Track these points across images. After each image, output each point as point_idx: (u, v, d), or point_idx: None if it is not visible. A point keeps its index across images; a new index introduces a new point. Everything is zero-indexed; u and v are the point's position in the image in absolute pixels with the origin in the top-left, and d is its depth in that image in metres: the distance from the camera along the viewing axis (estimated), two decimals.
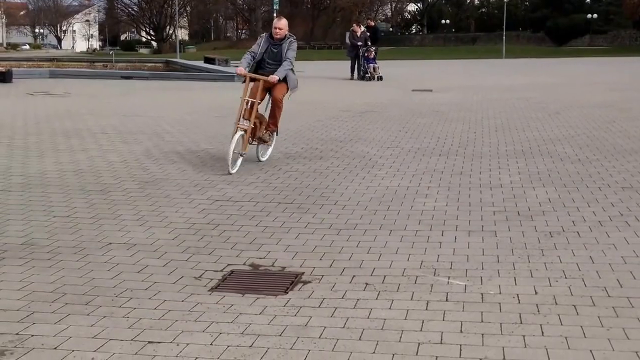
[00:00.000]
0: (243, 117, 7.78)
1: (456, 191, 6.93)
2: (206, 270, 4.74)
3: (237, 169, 7.69)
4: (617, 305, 3.98)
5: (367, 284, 4.45)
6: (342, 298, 4.22)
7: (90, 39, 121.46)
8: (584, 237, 5.28)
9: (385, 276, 4.58)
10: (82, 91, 19.08)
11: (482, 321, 3.83)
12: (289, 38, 7.97)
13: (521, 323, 3.78)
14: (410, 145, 9.71)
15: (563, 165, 8.00)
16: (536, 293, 4.20)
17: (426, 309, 4.02)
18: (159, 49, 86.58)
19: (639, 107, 13.29)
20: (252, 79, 7.94)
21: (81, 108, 14.61)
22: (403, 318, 3.90)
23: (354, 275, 4.60)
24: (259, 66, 8.00)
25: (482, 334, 3.65)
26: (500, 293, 4.23)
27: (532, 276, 4.51)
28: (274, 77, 7.78)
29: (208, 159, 8.78)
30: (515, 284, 4.37)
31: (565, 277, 4.46)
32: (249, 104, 7.76)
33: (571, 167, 7.92)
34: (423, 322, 3.84)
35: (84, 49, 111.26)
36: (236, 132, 7.69)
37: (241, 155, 7.80)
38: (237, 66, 7.79)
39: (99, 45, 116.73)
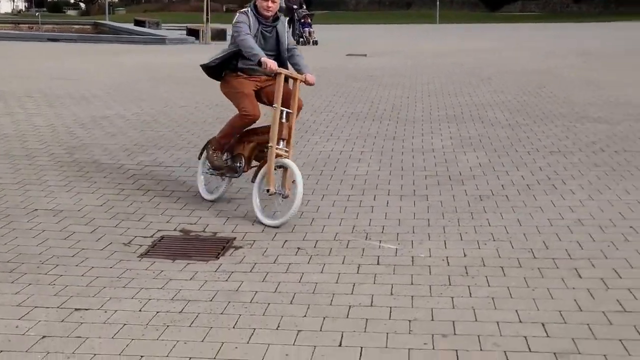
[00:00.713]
0: (280, 138, 4.96)
1: (389, 156, 6.96)
2: (135, 237, 4.64)
3: (284, 219, 4.82)
4: (542, 266, 4.08)
5: (299, 248, 4.44)
6: (274, 263, 4.20)
7: (15, 0, 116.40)
8: (513, 201, 5.39)
9: (317, 241, 4.57)
10: (6, 53, 18.31)
11: (412, 284, 3.87)
12: (279, 16, 5.29)
13: (450, 285, 3.84)
14: (344, 110, 9.70)
15: (494, 130, 8.14)
16: (465, 255, 4.27)
17: (357, 273, 4.03)
18: (87, 11, 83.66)
19: (568, 73, 13.60)
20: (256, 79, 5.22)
21: (5, 70, 14.01)
22: (334, 282, 3.90)
23: (285, 240, 4.58)
24: (242, 57, 5.11)
25: (412, 296, 3.69)
26: (430, 256, 4.29)
27: (461, 239, 4.58)
28: (312, 78, 5.16)
29: (138, 123, 8.56)
30: (445, 247, 4.43)
31: (494, 240, 4.54)
32: (285, 115, 5.01)
33: (501, 131, 8.05)
34: (354, 285, 3.85)
35: (9, 10, 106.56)
36: (270, 162, 4.90)
37: (284, 197, 4.92)
38: (253, 53, 4.90)
39: (25, 7, 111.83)
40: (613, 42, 22.27)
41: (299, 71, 5.21)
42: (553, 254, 4.27)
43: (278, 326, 3.37)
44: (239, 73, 5.19)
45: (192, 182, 5.90)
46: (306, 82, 5.13)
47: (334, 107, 10.03)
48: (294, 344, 3.19)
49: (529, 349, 3.11)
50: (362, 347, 3.14)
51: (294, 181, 4.85)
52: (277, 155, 4.92)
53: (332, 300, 3.65)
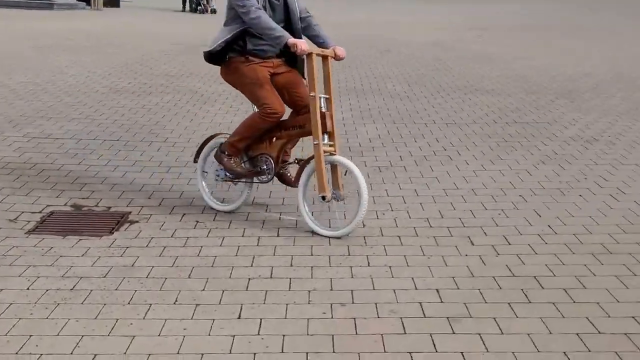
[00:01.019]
0: (324, 132, 4.14)
1: None
2: (23, 212, 4.41)
3: (349, 227, 4.10)
4: (437, 234, 4.19)
5: (197, 222, 4.35)
6: (172, 237, 4.10)
7: None
8: (410, 171, 5.49)
9: (216, 213, 4.49)
10: None
11: (311, 255, 3.88)
12: None
13: (349, 255, 3.87)
14: None
15: (393, 102, 8.25)
16: (364, 226, 4.31)
17: (257, 245, 4.00)
18: None
19: (465, 46, 13.95)
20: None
21: None
22: (234, 254, 3.86)
23: (184, 214, 4.48)
24: (250, 35, 4.21)
25: (312, 267, 3.70)
26: (330, 227, 4.30)
27: None
28: (342, 50, 4.34)
29: (24, 93, 8.12)
30: (345, 218, 4.46)
31: (392, 210, 4.61)
32: (324, 103, 4.16)
33: (400, 103, 8.18)
34: (254, 257, 3.82)
35: None
36: (320, 163, 4.10)
37: (337, 200, 4.23)
38: (275, 35, 4.04)
39: None
40: (508, 16, 23.01)
41: (322, 45, 4.36)
42: (448, 223, 4.38)
43: (176, 301, 3.30)
44: (248, 57, 4.22)
45: (83, 154, 5.66)
46: (336, 57, 4.28)
47: None
48: (192, 318, 3.13)
49: (424, 314, 3.19)
50: (261, 319, 3.13)
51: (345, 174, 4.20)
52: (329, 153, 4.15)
53: (231, 273, 3.61)
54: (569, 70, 10.77)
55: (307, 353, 2.86)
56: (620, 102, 8.29)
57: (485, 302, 3.30)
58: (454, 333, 3.02)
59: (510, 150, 6.12)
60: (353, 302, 3.31)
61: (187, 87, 8.89)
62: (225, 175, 4.47)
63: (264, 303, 3.29)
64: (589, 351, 2.86)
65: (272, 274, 3.62)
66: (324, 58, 4.22)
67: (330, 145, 4.17)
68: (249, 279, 3.55)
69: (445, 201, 4.79)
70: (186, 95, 8.34)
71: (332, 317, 3.16)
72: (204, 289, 3.42)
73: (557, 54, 13.06)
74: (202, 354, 2.84)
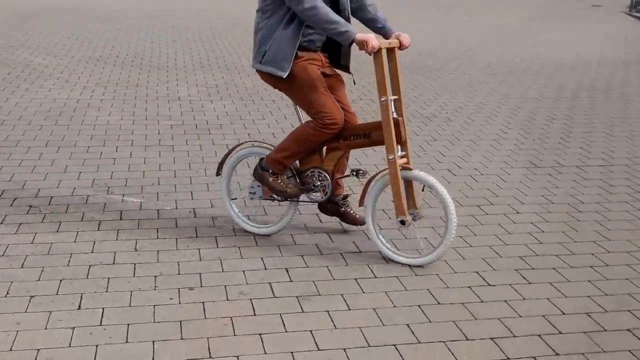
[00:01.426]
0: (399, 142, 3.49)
1: (132, 104, 6.66)
2: None
3: (436, 253, 3.49)
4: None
5: (30, 206, 4.07)
6: (2, 224, 3.80)
7: None
8: None
9: (52, 197, 4.22)
10: None
11: (157, 238, 3.75)
12: None
13: (197, 237, 3.78)
14: (82, 54, 9.07)
15: (240, 78, 8.16)
16: (212, 206, 4.23)
17: (98, 230, 3.81)
18: None
19: None
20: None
21: None
22: (72, 241, 3.64)
23: (15, 198, 4.17)
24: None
25: (158, 251, 3.58)
26: (176, 208, 4.18)
27: (208, 189, 4.53)
28: (407, 38, 3.49)
29: None
30: (192, 199, 4.35)
31: (240, 189, 4.56)
32: (394, 106, 3.48)
33: (247, 80, 8.10)
34: (94, 243, 3.63)
35: None
36: (396, 180, 3.45)
37: (415, 221, 3.58)
38: (339, 30, 3.29)
39: None
40: None
41: (380, 31, 3.60)
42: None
43: (7, 293, 3.06)
44: (297, 53, 3.48)
45: None
46: (401, 47, 3.48)
47: (70, 50, 9.33)
48: (25, 311, 2.92)
49: (274, 294, 3.18)
50: (103, 308, 2.98)
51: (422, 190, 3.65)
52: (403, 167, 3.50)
53: (69, 261, 3.41)
54: (426, 47, 11.08)
55: (153, 341, 2.76)
56: (457, 78, 8.71)
57: (334, 279, 3.35)
58: (303, 312, 3.04)
59: None
60: (201, 286, 3.23)
61: (17, 60, 8.30)
62: (264, 194, 3.78)
63: (107, 291, 3.13)
64: (430, 322, 2.99)
65: (114, 260, 3.46)
66: (390, 50, 3.45)
67: (403, 156, 3.49)
68: (90, 266, 3.37)
69: None
70: (16, 69, 7.78)
71: (179, 303, 3.07)
72: (39, 279, 3.21)
73: (424, 29, 13.48)
74: (38, 350, 2.66)
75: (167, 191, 4.45)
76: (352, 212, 3.88)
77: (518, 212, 4.30)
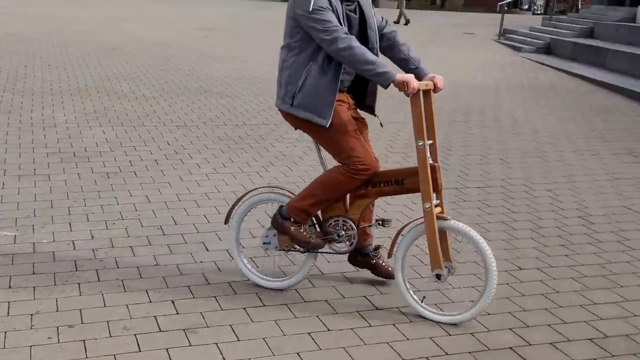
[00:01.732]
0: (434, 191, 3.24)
1: (4, 132, 6.32)
2: None
3: (474, 310, 3.25)
4: (171, 242, 4.08)
5: None
6: None
7: None
8: (141, 177, 5.31)
9: None
10: None
11: (34, 273, 3.55)
12: None
13: (77, 271, 3.61)
14: None
15: (120, 104, 7.94)
16: (93, 237, 4.06)
17: None
18: None
19: (193, 46, 13.93)
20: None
21: None
22: None
23: None
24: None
25: (34, 287, 3.39)
26: (54, 241, 3.99)
27: (88, 220, 4.35)
28: (442, 80, 3.28)
29: None
30: (71, 230, 4.17)
31: (122, 219, 4.41)
32: (430, 151, 3.21)
33: (128, 105, 7.90)
34: None
35: None
36: (433, 232, 3.21)
37: (449, 272, 3.32)
38: (377, 71, 3.06)
39: None
40: (237, 18, 23.48)
41: (414, 71, 3.35)
42: (182, 230, 4.30)
43: None
44: None
45: None
46: (436, 89, 3.24)
47: None
48: None
49: (159, 328, 3.08)
50: None
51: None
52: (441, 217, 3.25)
53: None
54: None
55: None
56: None
57: (222, 310, 3.29)
58: (190, 345, 2.96)
59: (240, 152, 6.22)
60: (82, 322, 3.08)
61: None
62: (280, 244, 3.49)
63: None
64: (320, 349, 2.99)
65: None
66: (426, 92, 3.21)
67: (437, 205, 3.24)
68: None
69: (178, 207, 4.71)
70: None
71: (58, 342, 2.91)
72: None
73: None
74: None
75: (43, 223, 4.23)
76: (384, 264, 3.64)
77: (402, 235, 4.39)
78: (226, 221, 3.60)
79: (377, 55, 3.29)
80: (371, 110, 3.48)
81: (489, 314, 3.38)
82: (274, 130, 7.12)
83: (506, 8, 20.48)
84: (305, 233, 3.37)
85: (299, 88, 3.21)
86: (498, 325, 3.29)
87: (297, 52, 3.22)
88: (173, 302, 3.34)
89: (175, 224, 4.38)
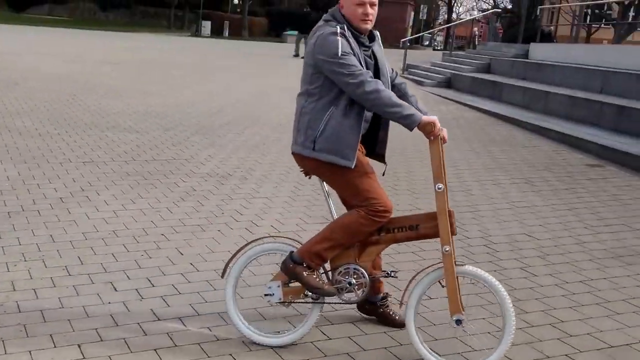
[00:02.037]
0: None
1: None
2: None
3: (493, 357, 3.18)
4: (78, 283, 3.95)
5: None
6: None
7: None
8: (45, 215, 5.13)
9: None
10: None
11: None
12: (375, 32, 3.43)
13: None
14: None
15: (23, 141, 7.67)
16: None
17: None
18: None
19: (99, 81, 13.66)
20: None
21: None
22: None
23: None
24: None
25: None
26: None
27: None
28: (445, 131, 3.23)
29: None
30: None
31: (25, 260, 4.24)
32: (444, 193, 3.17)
33: (31, 142, 7.64)
34: None
35: None
36: (451, 276, 3.17)
37: (459, 323, 3.19)
38: (404, 113, 3.04)
39: None
40: (140, 52, 23.19)
41: None
42: (89, 269, 4.17)
43: None
44: None
45: None
46: (444, 140, 3.16)
47: None
48: None
49: None
50: None
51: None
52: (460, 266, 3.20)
53: None
54: (202, 107, 11.23)
55: None
56: (249, 138, 8.88)
57: (131, 352, 3.20)
58: None
59: (150, 188, 6.12)
60: None
61: None
62: (283, 296, 3.32)
63: None
64: None
65: None
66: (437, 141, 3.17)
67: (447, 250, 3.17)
68: None
69: (85, 246, 4.57)
70: None
71: None
72: None
73: (189, 90, 13.54)
74: None
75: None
76: (392, 313, 3.61)
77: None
78: (223, 274, 3.41)
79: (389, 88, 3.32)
80: (382, 158, 3.48)
81: (401, 345, 3.43)
82: (184, 165, 7.05)
83: (408, 44, 21.20)
84: (318, 279, 3.26)
85: (320, 132, 3.18)
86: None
87: (317, 98, 3.21)
88: (79, 346, 3.22)
89: (82, 264, 4.25)
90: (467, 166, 7.83)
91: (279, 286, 3.32)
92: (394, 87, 3.41)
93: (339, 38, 3.09)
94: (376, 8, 3.23)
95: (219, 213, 5.53)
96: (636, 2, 34.36)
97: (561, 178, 7.42)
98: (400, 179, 7.03)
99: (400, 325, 3.57)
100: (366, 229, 3.19)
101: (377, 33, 3.36)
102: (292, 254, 3.30)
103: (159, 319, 3.56)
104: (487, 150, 8.86)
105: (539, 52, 16.42)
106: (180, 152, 7.68)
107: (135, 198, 5.77)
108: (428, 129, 3.04)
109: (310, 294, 3.29)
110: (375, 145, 3.43)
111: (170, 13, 60.73)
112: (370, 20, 3.21)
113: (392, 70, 3.46)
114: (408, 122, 3.05)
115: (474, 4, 77.20)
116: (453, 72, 16.89)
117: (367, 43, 3.26)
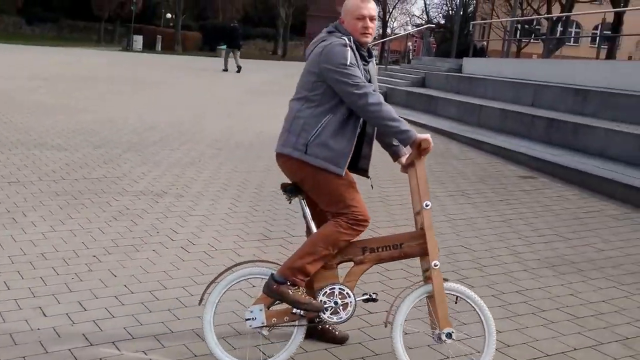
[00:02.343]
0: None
1: None
2: None
3: None
4: (3, 309, 3.76)
5: None
6: None
7: None
8: None
9: None
10: None
11: None
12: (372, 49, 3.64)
13: None
14: None
15: None
16: None
17: None
18: None
19: (26, 97, 13.22)
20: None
21: None
22: None
23: None
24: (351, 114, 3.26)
25: None
26: None
27: None
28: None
29: None
30: None
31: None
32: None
33: None
34: None
35: None
36: (440, 291, 3.20)
37: (449, 337, 3.21)
38: (401, 129, 3.13)
39: None
40: (70, 67, 22.64)
41: (394, 148, 3.61)
42: (15, 295, 3.98)
43: None
44: None
45: None
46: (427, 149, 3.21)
47: None
48: None
49: None
50: None
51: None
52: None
53: None
54: (135, 123, 11.00)
55: None
56: (184, 154, 8.73)
57: None
58: None
59: (80, 208, 5.91)
60: None
61: None
62: (267, 319, 3.21)
63: None
64: None
65: None
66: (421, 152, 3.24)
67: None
68: None
69: (11, 270, 4.36)
70: None
71: None
72: None
73: (120, 106, 13.25)
74: None
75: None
76: (332, 329, 3.57)
77: (254, 286, 4.35)
78: (201, 301, 3.30)
79: None
80: (364, 172, 3.50)
81: (341, 346, 3.39)
82: (116, 184, 6.85)
83: None
84: (303, 295, 3.20)
85: (313, 137, 3.21)
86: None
87: (315, 105, 3.24)
88: None
89: (8, 289, 4.05)
90: (404, 180, 7.88)
91: (261, 310, 3.22)
92: None
93: (348, 49, 3.17)
94: (375, 22, 3.31)
95: (153, 232, 5.38)
96: (563, 19, 35.71)
97: (495, 190, 7.56)
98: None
99: (341, 340, 3.54)
100: (345, 237, 3.20)
101: (373, 51, 3.33)
102: (273, 276, 3.23)
103: (91, 344, 3.41)
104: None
105: (472, 66, 16.81)
106: (112, 170, 7.48)
107: (65, 219, 5.56)
108: (424, 145, 3.12)
109: (295, 313, 3.21)
110: (358, 161, 3.45)
111: (100, 27, 59.54)
112: (370, 34, 3.28)
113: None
114: (404, 137, 3.14)
115: (408, 19, 78.73)
116: (389, 86, 17.09)
117: (367, 58, 3.33)
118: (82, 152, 8.36)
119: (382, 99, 3.15)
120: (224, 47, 28.06)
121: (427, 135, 3.15)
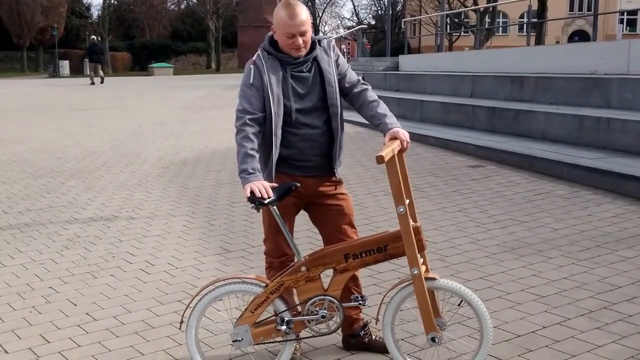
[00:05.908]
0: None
1: None
2: None
3: None
4: None
5: None
6: None
7: None
8: None
9: None
10: None
11: None
12: (322, 40, 3.37)
13: None
14: None
15: None
16: None
17: None
18: None
19: None
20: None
21: None
22: None
23: None
24: (287, 126, 3.30)
25: None
26: None
27: None
28: (405, 133, 3.34)
29: None
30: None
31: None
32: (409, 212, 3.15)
33: None
34: None
35: None
36: (423, 297, 3.05)
37: (441, 328, 3.16)
38: (240, 168, 3.23)
39: None
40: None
41: (378, 127, 3.37)
42: None
43: None
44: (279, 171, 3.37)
45: None
46: (403, 149, 3.20)
47: None
48: None
49: None
50: None
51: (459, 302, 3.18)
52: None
53: None
54: (73, 150, 10.71)
55: None
56: (130, 176, 8.54)
57: None
58: None
59: (29, 240, 5.72)
60: None
61: None
62: (254, 338, 3.09)
63: None
64: None
65: None
66: (399, 152, 3.13)
67: (422, 264, 3.06)
68: None
69: None
70: None
71: None
72: None
73: (55, 134, 12.90)
74: None
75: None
76: (379, 339, 3.44)
77: (221, 300, 4.26)
78: (181, 325, 3.20)
79: (340, 116, 3.39)
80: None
81: None
82: (62, 213, 6.65)
83: None
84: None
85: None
86: None
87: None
88: None
89: None
90: (357, 180, 7.90)
91: (247, 330, 3.10)
92: (356, 96, 3.41)
93: (252, 67, 3.20)
94: (309, 34, 3.20)
95: (109, 257, 5.23)
96: (490, 10, 36.53)
97: (447, 181, 7.64)
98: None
99: (383, 349, 3.39)
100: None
101: (325, 41, 3.34)
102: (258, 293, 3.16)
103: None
104: (373, 163, 8.98)
105: (408, 63, 17.02)
106: (57, 199, 7.25)
107: (14, 253, 5.36)
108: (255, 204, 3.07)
109: (280, 330, 3.10)
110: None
111: (22, 55, 57.77)
112: (304, 48, 3.21)
113: (360, 81, 3.45)
114: (239, 177, 3.19)
115: (339, 22, 79.25)
116: None
117: (300, 60, 3.24)
118: (22, 184, 8.10)
119: (244, 136, 3.19)
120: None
121: (251, 187, 3.09)
